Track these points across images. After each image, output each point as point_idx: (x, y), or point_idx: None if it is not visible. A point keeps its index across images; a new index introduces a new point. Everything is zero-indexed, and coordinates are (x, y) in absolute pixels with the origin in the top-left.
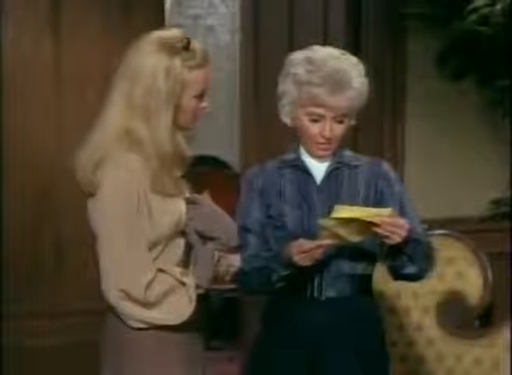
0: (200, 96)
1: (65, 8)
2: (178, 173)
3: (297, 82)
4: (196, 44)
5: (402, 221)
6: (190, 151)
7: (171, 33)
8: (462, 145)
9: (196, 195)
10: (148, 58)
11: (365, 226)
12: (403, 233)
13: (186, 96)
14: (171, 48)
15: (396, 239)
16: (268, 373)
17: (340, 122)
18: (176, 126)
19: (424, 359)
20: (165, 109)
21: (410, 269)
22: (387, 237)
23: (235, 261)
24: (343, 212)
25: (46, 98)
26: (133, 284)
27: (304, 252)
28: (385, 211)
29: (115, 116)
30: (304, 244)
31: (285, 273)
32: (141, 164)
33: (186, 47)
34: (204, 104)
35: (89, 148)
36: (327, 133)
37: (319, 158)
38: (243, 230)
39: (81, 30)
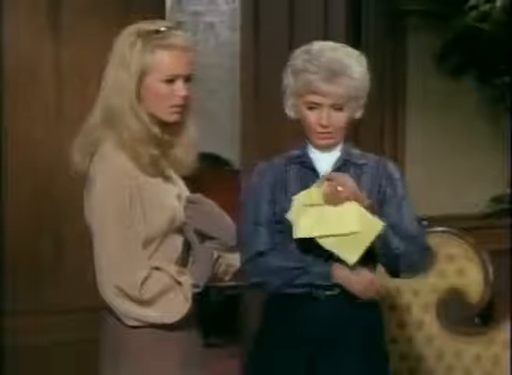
0: (171, 81)
1: (65, 8)
2: (154, 151)
3: (295, 72)
4: (172, 30)
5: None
6: (170, 138)
7: (151, 22)
8: (462, 142)
9: (196, 194)
10: (124, 45)
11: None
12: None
13: (152, 79)
14: (144, 33)
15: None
16: (268, 371)
17: (338, 110)
18: (151, 113)
19: (424, 356)
20: (128, 88)
21: (404, 267)
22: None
23: (234, 261)
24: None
25: (46, 97)
26: (128, 281)
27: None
28: (377, 224)
29: (99, 102)
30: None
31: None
32: (128, 161)
33: (155, 30)
34: (180, 92)
35: (81, 140)
36: (324, 121)
37: (321, 148)
38: (254, 223)
39: (81, 30)
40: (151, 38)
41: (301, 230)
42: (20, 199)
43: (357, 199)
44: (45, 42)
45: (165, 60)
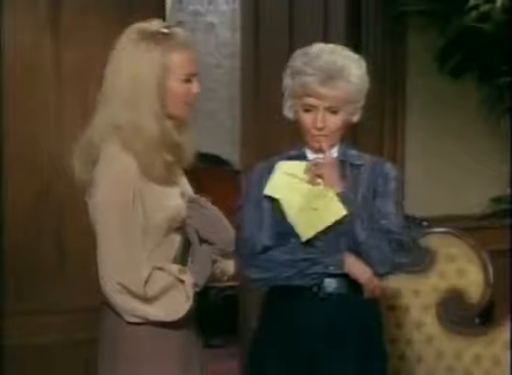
0: (188, 81)
1: (65, 8)
2: (169, 157)
3: (293, 73)
4: (176, 29)
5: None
6: (181, 138)
7: (149, 22)
8: (462, 142)
9: (199, 196)
10: (127, 47)
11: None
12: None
13: (171, 80)
14: (148, 34)
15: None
16: (268, 370)
17: (334, 113)
18: (169, 114)
19: (424, 357)
20: (150, 95)
21: (377, 260)
22: None
23: (229, 267)
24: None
25: (46, 97)
26: (132, 278)
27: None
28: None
29: (103, 111)
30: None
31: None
32: (134, 159)
33: (164, 32)
34: (195, 89)
35: (83, 146)
36: (318, 123)
37: (316, 150)
38: (256, 220)
39: (81, 30)
40: (162, 41)
41: (270, 189)
42: (21, 199)
43: (329, 182)
44: (45, 42)
45: (183, 60)
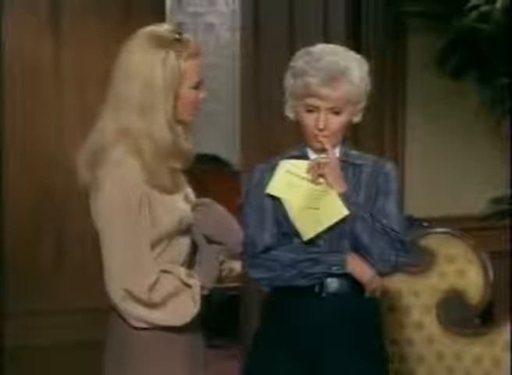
0: (198, 87)
1: (65, 9)
2: (177, 165)
3: (295, 74)
4: (186, 36)
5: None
6: (189, 145)
7: (161, 27)
8: (462, 143)
9: (206, 199)
10: (141, 53)
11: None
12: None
13: (184, 87)
14: (163, 41)
15: None
16: (268, 370)
17: (336, 114)
18: (178, 119)
19: (425, 358)
20: (164, 102)
21: (378, 259)
22: None
23: (236, 265)
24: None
25: (46, 97)
26: (137, 284)
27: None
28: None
29: (111, 116)
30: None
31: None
32: (140, 164)
33: (178, 38)
34: (202, 95)
35: (88, 150)
36: (320, 124)
37: (318, 150)
38: (258, 220)
39: (81, 30)
40: (178, 49)
41: (272, 188)
42: (21, 200)
43: (331, 182)
44: (45, 42)
45: (195, 67)
